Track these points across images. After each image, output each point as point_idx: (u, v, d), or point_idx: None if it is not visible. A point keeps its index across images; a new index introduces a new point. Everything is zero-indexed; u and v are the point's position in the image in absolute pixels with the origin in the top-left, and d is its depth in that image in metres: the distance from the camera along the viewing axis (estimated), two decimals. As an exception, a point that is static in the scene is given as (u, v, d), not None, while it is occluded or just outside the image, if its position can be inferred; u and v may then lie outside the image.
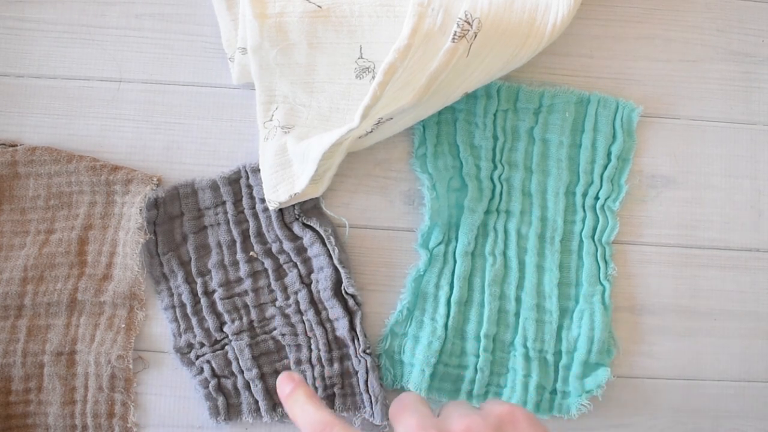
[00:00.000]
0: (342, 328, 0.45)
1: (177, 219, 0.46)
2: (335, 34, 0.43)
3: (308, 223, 0.46)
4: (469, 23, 0.38)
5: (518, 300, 0.46)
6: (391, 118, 0.41)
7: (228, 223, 0.46)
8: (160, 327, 0.46)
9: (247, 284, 0.46)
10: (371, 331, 0.46)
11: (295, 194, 0.43)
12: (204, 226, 0.46)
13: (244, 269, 0.46)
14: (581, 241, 0.47)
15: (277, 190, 0.44)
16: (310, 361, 0.45)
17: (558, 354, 0.46)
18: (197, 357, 0.45)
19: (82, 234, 0.46)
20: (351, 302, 0.45)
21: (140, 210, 0.45)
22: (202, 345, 0.45)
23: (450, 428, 0.29)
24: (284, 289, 0.46)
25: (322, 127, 0.45)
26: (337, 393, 0.45)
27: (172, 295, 0.46)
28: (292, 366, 0.45)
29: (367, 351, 0.45)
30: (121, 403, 0.45)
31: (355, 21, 0.43)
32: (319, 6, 0.43)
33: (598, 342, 0.45)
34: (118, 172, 0.46)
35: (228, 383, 0.45)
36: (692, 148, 0.49)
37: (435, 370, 0.45)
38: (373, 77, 0.43)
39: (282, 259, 0.46)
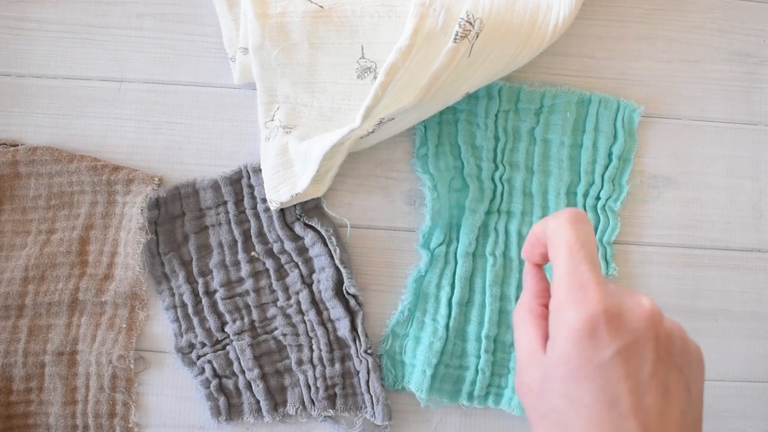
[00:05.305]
0: (343, 329, 0.45)
1: (178, 219, 0.46)
2: (337, 35, 0.43)
3: (309, 223, 0.46)
4: (470, 23, 0.38)
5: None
6: (393, 119, 0.41)
7: (229, 223, 0.46)
8: (161, 327, 0.46)
9: (248, 284, 0.46)
10: (372, 331, 0.46)
11: (297, 194, 0.43)
12: (205, 226, 0.46)
13: (245, 269, 0.46)
14: (582, 241, 0.47)
15: (279, 190, 0.44)
16: (311, 361, 0.45)
17: (559, 354, 0.46)
18: (198, 357, 0.45)
19: (83, 234, 0.46)
20: (352, 302, 0.45)
21: (141, 210, 0.45)
22: (203, 345, 0.45)
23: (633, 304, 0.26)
24: (285, 289, 0.46)
25: (324, 127, 0.45)
26: (338, 393, 0.45)
27: (173, 295, 0.46)
28: (294, 366, 0.45)
29: (369, 351, 0.45)
30: (122, 403, 0.45)
31: (356, 21, 0.43)
32: (320, 6, 0.43)
33: (600, 342, 0.45)
34: (120, 172, 0.46)
35: (229, 383, 0.45)
36: (693, 148, 0.49)
37: (436, 370, 0.45)
38: (375, 77, 0.43)
39: (283, 259, 0.46)
